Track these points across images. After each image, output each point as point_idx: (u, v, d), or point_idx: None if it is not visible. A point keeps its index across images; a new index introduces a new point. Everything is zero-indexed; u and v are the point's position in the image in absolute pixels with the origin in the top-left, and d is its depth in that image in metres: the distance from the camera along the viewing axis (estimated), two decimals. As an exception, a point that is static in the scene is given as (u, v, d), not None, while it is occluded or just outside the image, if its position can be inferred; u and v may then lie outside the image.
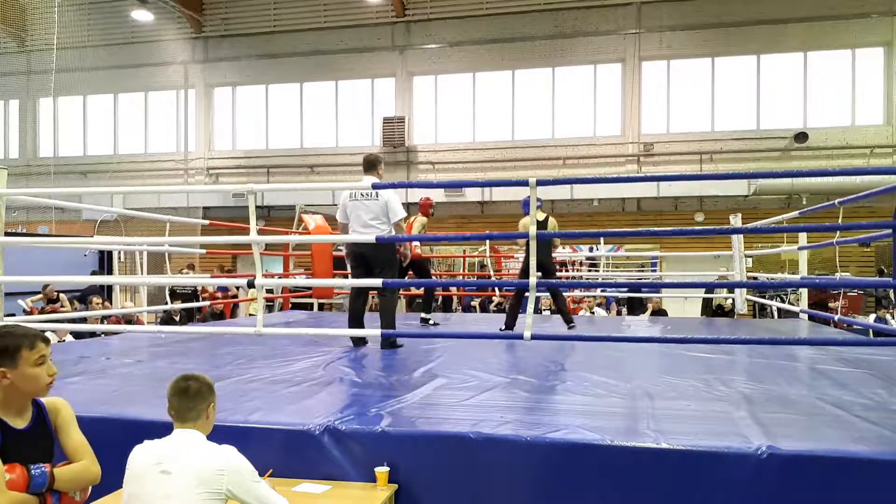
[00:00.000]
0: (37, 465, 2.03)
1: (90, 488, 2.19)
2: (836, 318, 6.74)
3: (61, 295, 9.74)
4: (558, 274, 13.09)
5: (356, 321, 5.55)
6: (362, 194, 5.47)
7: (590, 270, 13.91)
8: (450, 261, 15.85)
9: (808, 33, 15.14)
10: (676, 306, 12.59)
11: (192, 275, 12.39)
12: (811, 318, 7.83)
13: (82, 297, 10.37)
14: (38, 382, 2.09)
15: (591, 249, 14.20)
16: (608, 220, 15.74)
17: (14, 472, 1.97)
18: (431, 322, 7.34)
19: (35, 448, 2.07)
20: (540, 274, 6.22)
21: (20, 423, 2.06)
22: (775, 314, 10.51)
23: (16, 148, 19.79)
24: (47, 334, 6.75)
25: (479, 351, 5.16)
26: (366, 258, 5.54)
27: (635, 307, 12.28)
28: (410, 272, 7.22)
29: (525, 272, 6.53)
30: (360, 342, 5.48)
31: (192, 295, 12.15)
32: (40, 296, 9.73)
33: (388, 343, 5.35)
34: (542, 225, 6.54)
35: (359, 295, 5.70)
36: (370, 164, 5.61)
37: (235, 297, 12.42)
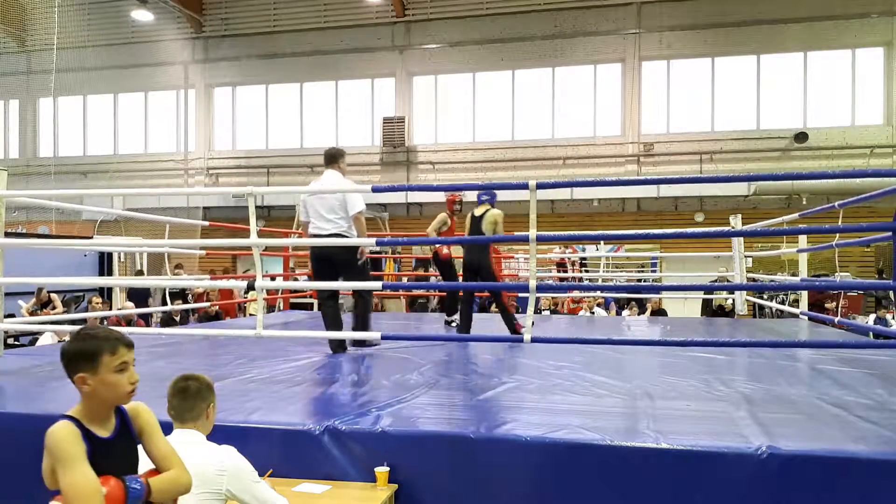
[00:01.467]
0: (132, 477, 1.92)
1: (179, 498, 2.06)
2: (837, 319, 6.74)
3: (52, 296, 9.73)
4: (557, 274, 13.12)
5: (335, 324, 5.27)
6: (324, 188, 5.28)
7: (589, 271, 13.90)
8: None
9: (808, 33, 15.14)
10: (676, 306, 12.59)
11: (189, 276, 12.39)
12: (811, 318, 7.83)
13: (68, 300, 10.37)
14: (119, 390, 1.94)
15: (596, 249, 14.18)
16: (608, 221, 15.75)
17: (109, 485, 1.85)
18: (454, 324, 6.90)
19: (122, 458, 1.95)
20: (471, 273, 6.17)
21: (104, 431, 1.92)
22: (775, 314, 10.52)
23: (16, 148, 19.79)
24: (47, 335, 6.70)
25: (478, 351, 5.16)
26: (329, 259, 5.21)
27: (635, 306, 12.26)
28: (438, 273, 7.07)
29: (465, 271, 6.41)
30: (339, 348, 5.15)
31: (181, 294, 12.14)
32: (34, 300, 9.72)
33: (357, 342, 5.21)
34: (478, 220, 6.41)
35: (328, 298, 5.40)
36: (330, 158, 5.38)
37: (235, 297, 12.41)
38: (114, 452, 1.90)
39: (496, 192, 6.65)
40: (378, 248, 12.55)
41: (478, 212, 6.46)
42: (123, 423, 1.99)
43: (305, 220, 5.30)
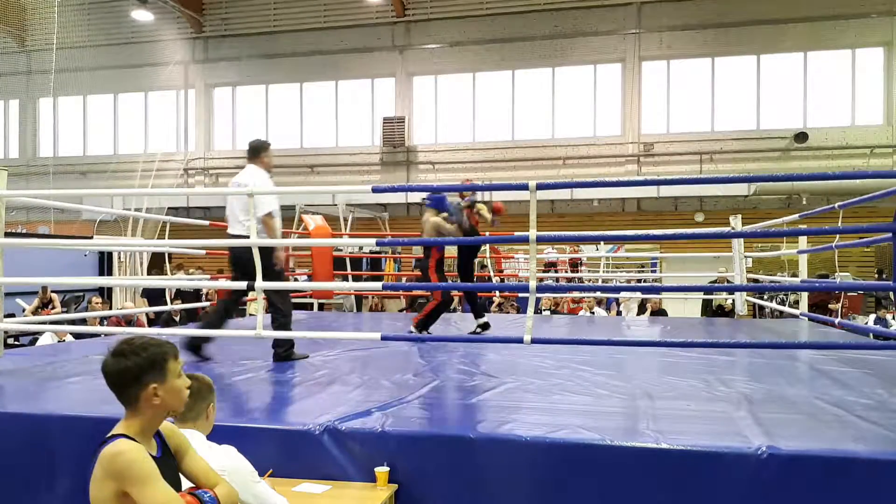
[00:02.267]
0: (202, 491, 1.93)
1: None
2: (837, 320, 6.74)
3: (53, 296, 9.74)
4: (554, 274, 13.11)
5: (213, 323, 4.89)
6: (238, 185, 4.85)
7: (589, 271, 13.90)
8: (449, 261, 15.82)
9: (808, 33, 15.14)
10: (676, 306, 12.58)
11: (186, 276, 12.39)
12: (812, 320, 7.83)
13: (68, 300, 10.36)
14: (182, 396, 1.93)
15: (596, 249, 14.17)
16: (608, 221, 15.74)
17: (186, 500, 1.87)
18: (478, 328, 6.44)
19: (170, 476, 1.90)
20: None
21: (151, 450, 1.88)
22: (775, 315, 10.51)
23: (16, 148, 19.79)
24: (47, 335, 6.70)
25: (478, 351, 5.16)
26: (240, 265, 4.72)
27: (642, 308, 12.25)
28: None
29: (426, 271, 6.36)
30: (193, 347, 4.76)
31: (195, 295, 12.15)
32: (37, 301, 9.72)
33: (281, 356, 4.70)
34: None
35: (229, 296, 5.10)
36: (253, 151, 4.96)
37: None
38: (164, 471, 1.86)
39: (444, 195, 6.42)
40: (378, 248, 12.58)
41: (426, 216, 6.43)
42: (162, 441, 1.97)
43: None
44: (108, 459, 1.78)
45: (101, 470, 1.79)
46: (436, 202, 6.35)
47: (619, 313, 11.60)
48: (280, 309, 4.84)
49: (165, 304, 8.91)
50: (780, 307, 9.32)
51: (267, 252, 4.54)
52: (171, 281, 9.14)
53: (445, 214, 6.25)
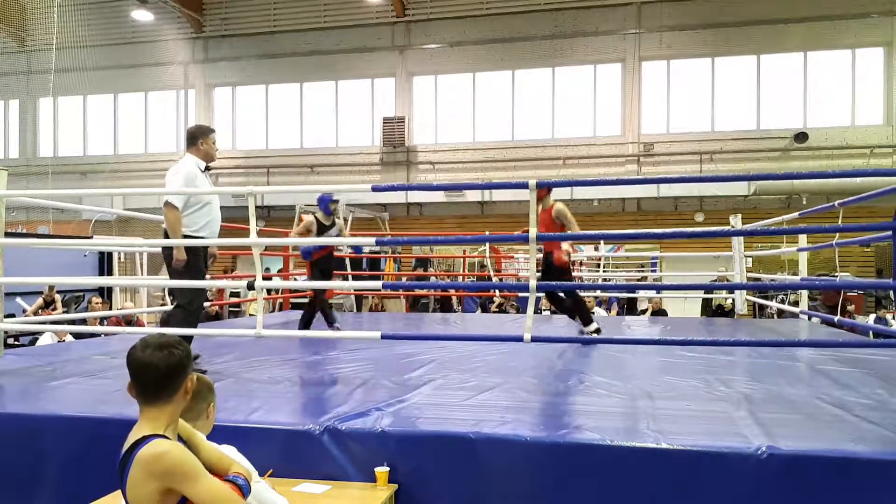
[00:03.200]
0: (235, 476, 2.02)
1: None
2: (836, 319, 6.74)
3: (56, 296, 9.74)
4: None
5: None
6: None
7: (589, 271, 13.90)
8: (449, 261, 15.86)
9: (808, 33, 15.14)
10: (676, 306, 12.59)
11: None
12: (811, 317, 7.84)
13: (68, 300, 10.36)
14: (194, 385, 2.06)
15: (595, 249, 14.17)
16: (608, 221, 15.74)
17: (228, 485, 1.98)
18: (592, 331, 5.75)
19: None
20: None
21: None
22: (775, 314, 10.51)
23: (15, 148, 19.78)
24: (47, 335, 6.70)
25: (478, 351, 5.16)
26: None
27: (635, 307, 12.28)
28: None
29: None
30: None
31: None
32: (40, 300, 9.72)
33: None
34: (326, 228, 6.38)
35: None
36: (189, 137, 4.64)
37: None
38: None
39: (329, 196, 6.40)
40: (378, 248, 12.58)
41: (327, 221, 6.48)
42: (179, 436, 2.03)
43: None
44: (151, 460, 1.81)
45: (142, 472, 1.81)
46: (320, 204, 6.47)
47: (618, 313, 11.61)
48: (187, 310, 4.44)
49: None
50: (781, 306, 9.32)
51: (169, 252, 4.38)
52: (170, 281, 9.14)
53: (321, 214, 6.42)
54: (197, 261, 4.45)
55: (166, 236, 4.43)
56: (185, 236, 4.37)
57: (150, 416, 1.91)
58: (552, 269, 5.66)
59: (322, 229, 6.38)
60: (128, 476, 1.82)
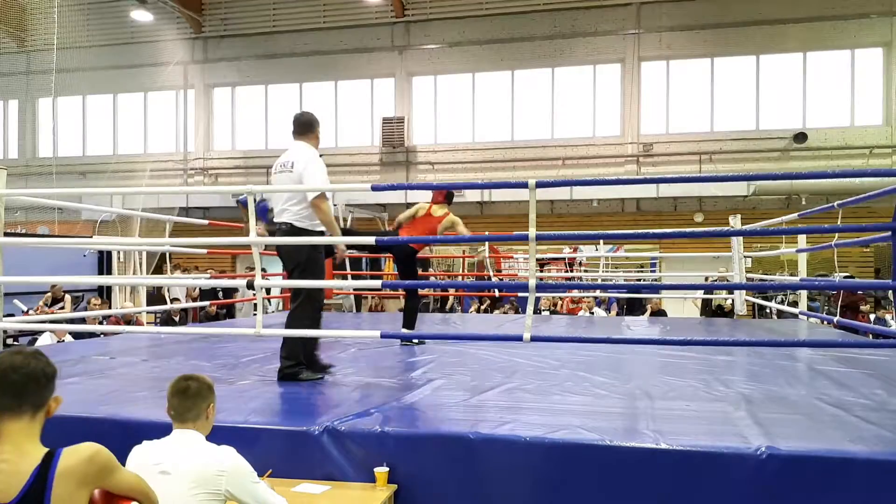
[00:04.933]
0: None
1: None
2: (836, 319, 6.74)
3: (67, 297, 9.74)
4: (555, 274, 13.11)
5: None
6: (283, 165, 4.24)
7: (587, 271, 13.91)
8: (449, 261, 15.86)
9: (808, 33, 15.14)
10: (676, 306, 12.59)
11: (187, 275, 12.39)
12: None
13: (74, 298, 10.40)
14: None
15: (595, 249, 14.18)
16: (608, 221, 15.75)
17: None
18: (411, 340, 5.57)
19: None
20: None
21: None
22: (774, 314, 10.51)
23: (15, 148, 19.78)
24: (46, 335, 6.71)
25: (478, 351, 5.16)
26: (280, 253, 4.24)
27: (635, 307, 12.28)
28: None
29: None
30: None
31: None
32: (48, 294, 9.72)
33: (283, 372, 4.04)
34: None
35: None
36: (303, 126, 4.30)
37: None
38: None
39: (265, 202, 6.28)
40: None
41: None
42: None
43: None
44: (85, 465, 1.78)
45: (74, 482, 1.74)
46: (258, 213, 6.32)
47: (618, 313, 11.61)
48: (301, 312, 4.13)
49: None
50: (780, 306, 9.32)
51: (311, 246, 4.12)
52: (170, 280, 9.13)
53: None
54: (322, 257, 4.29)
55: (290, 233, 4.09)
56: (319, 233, 4.17)
57: (32, 431, 1.80)
58: (407, 261, 5.71)
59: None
60: (49, 498, 1.68)
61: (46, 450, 1.76)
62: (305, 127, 4.33)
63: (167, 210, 14.59)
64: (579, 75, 16.40)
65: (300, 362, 4.06)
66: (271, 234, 5.77)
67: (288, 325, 4.10)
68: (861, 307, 10.64)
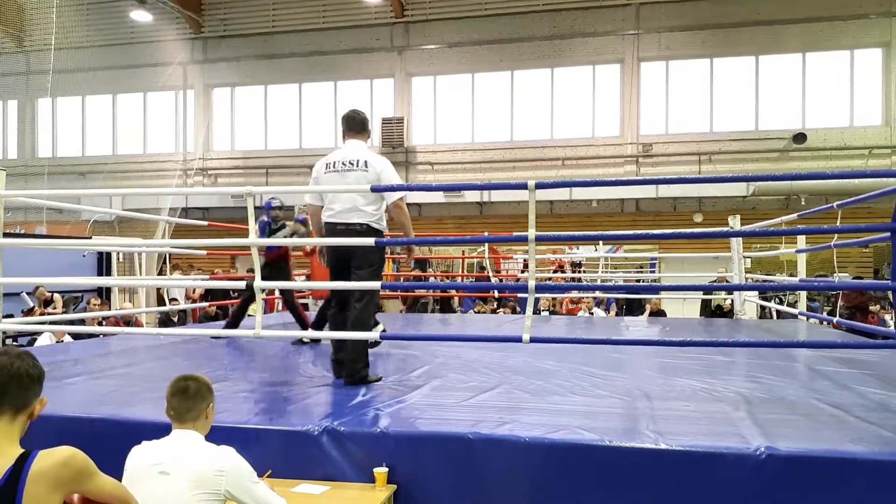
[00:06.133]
0: None
1: None
2: (836, 319, 6.75)
3: (55, 295, 9.72)
4: (556, 275, 13.11)
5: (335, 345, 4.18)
6: (344, 164, 4.05)
7: (587, 272, 13.91)
8: (448, 262, 15.86)
9: (807, 34, 15.15)
10: (675, 307, 12.59)
11: (185, 276, 12.38)
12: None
13: (67, 300, 10.38)
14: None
15: (594, 250, 14.18)
16: (607, 222, 15.75)
17: None
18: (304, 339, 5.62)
19: None
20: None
21: None
22: (774, 315, 10.51)
23: (14, 148, 19.77)
24: (45, 335, 6.71)
25: (477, 352, 5.16)
26: (343, 256, 4.10)
27: (634, 308, 12.28)
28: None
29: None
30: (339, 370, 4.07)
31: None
32: (37, 295, 9.71)
33: (357, 376, 3.90)
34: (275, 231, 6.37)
35: (337, 305, 4.27)
36: (360, 125, 4.23)
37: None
38: None
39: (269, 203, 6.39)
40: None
41: None
42: None
43: (316, 203, 4.23)
44: (59, 469, 1.75)
45: (47, 485, 1.71)
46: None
47: (617, 313, 11.60)
48: (367, 312, 4.02)
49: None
50: (779, 307, 9.32)
51: (381, 248, 4.09)
52: (170, 281, 9.14)
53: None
54: None
55: (366, 235, 3.99)
56: (370, 228, 4.07)
57: (11, 432, 1.77)
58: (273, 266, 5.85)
59: (272, 232, 6.33)
60: (21, 501, 1.66)
61: (22, 450, 1.74)
62: (362, 125, 4.27)
63: (169, 211, 14.62)
64: (579, 76, 16.40)
65: (367, 364, 3.98)
66: (275, 230, 5.75)
67: (353, 327, 3.98)
68: (870, 308, 10.59)
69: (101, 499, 1.85)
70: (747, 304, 9.22)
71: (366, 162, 4.04)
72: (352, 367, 3.91)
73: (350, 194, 4.02)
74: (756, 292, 9.78)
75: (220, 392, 2.76)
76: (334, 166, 4.09)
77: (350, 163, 4.05)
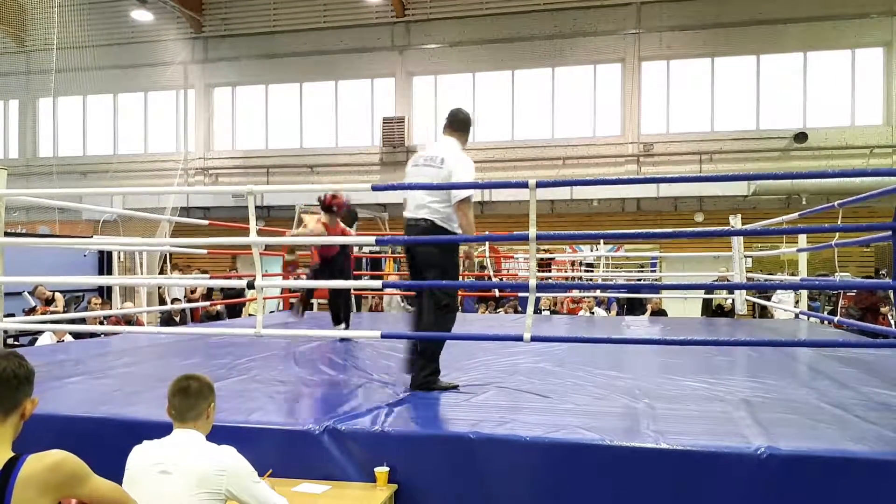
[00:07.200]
0: None
1: None
2: (836, 319, 6.74)
3: (56, 295, 9.73)
4: (555, 274, 13.12)
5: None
6: (425, 159, 4.02)
7: (587, 271, 13.91)
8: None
9: (808, 33, 15.14)
10: (676, 306, 12.59)
11: (187, 275, 12.39)
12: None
13: (68, 300, 10.40)
14: None
15: (595, 249, 14.18)
16: (608, 221, 15.74)
17: None
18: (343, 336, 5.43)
19: None
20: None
21: None
22: (774, 314, 10.49)
23: (15, 148, 19.78)
24: (46, 335, 6.72)
25: (477, 351, 5.16)
26: (413, 256, 4.05)
27: (635, 307, 12.28)
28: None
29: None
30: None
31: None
32: (38, 293, 9.71)
33: (422, 382, 3.78)
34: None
35: (415, 308, 4.18)
36: (460, 123, 4.11)
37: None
38: None
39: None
40: (378, 248, 12.58)
41: None
42: None
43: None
44: (49, 473, 1.73)
45: (36, 489, 1.70)
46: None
47: (618, 313, 11.60)
48: (440, 321, 3.88)
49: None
50: (778, 306, 9.31)
51: (453, 249, 3.92)
52: (170, 281, 9.15)
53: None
54: None
55: (428, 231, 3.88)
56: (437, 227, 3.93)
57: (2, 435, 1.76)
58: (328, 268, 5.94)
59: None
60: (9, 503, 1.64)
61: (12, 454, 1.72)
62: (462, 125, 4.14)
63: (172, 211, 14.62)
64: (579, 75, 16.39)
65: (434, 371, 3.85)
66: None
67: (431, 330, 3.91)
68: (881, 309, 10.55)
69: (97, 503, 1.83)
70: (742, 302, 9.21)
71: (442, 159, 3.95)
72: (419, 374, 3.83)
73: (421, 191, 3.96)
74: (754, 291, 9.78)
75: (221, 391, 2.76)
76: (417, 161, 4.08)
77: (431, 158, 4.00)
